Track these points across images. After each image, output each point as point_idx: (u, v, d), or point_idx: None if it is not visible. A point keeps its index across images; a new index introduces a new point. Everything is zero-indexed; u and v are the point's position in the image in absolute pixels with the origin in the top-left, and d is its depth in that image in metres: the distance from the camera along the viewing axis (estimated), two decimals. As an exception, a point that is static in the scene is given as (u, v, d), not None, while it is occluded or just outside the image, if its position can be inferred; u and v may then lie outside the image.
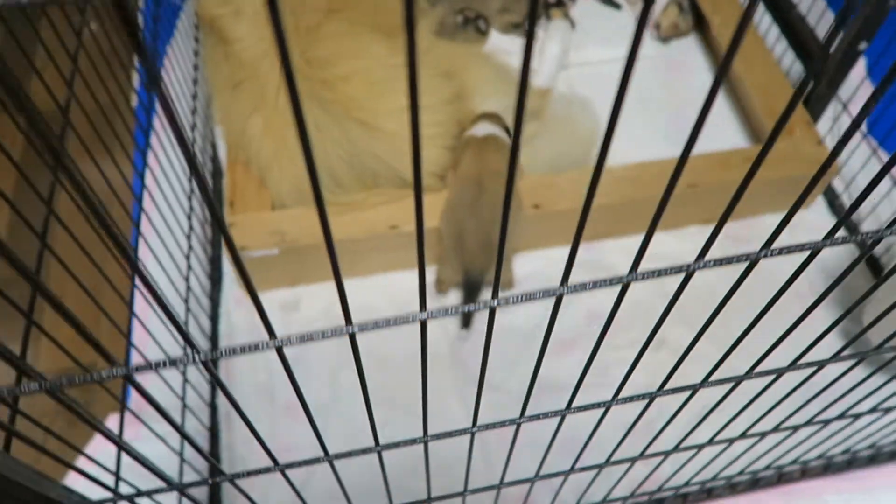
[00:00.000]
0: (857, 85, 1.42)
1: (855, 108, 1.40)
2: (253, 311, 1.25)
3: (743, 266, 1.44)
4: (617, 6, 1.70)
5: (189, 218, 1.19)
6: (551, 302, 1.30)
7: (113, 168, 0.93)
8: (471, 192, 1.15)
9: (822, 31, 1.42)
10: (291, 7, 1.22)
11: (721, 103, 1.53)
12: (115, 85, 0.96)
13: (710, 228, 1.35)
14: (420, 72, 1.08)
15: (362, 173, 1.19)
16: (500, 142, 1.21)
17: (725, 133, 1.49)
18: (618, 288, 1.32)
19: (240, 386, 1.17)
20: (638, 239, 1.34)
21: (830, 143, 1.38)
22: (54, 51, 0.84)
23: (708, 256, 1.32)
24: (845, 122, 1.37)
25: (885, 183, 1.28)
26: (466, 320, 1.15)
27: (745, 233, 1.35)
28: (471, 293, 1.14)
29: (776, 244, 1.34)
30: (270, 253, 1.19)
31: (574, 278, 1.22)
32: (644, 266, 1.29)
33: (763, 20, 1.53)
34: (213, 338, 1.22)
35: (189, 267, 1.16)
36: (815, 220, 1.36)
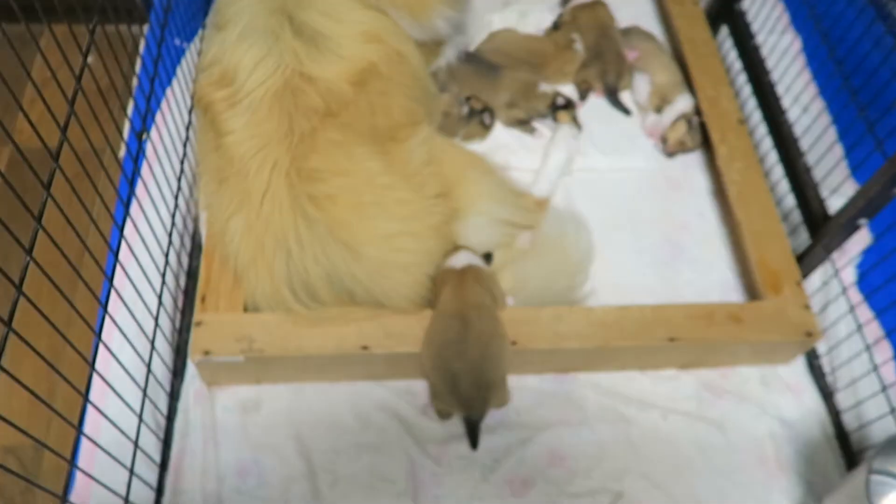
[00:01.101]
0: (853, 255, 1.40)
1: (846, 275, 1.38)
2: (211, 409, 1.22)
3: (709, 418, 1.42)
4: (627, 112, 1.67)
5: (161, 287, 1.16)
6: (511, 435, 1.30)
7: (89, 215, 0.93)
8: (455, 329, 1.12)
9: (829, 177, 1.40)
10: (287, 108, 1.18)
11: (716, 240, 1.51)
12: (102, 129, 0.96)
13: (686, 374, 1.33)
14: (411, 196, 1.05)
15: (340, 292, 1.16)
16: (479, 273, 1.19)
17: (716, 270, 1.47)
18: (581, 429, 1.31)
19: (187, 493, 1.15)
20: (612, 375, 1.32)
21: (818, 303, 1.36)
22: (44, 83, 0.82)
23: (681, 404, 1.30)
24: (834, 287, 1.35)
25: (865, 358, 1.26)
26: (474, 441, 1.15)
27: (720, 382, 1.33)
28: (474, 429, 1.15)
29: (749, 399, 1.32)
30: (235, 360, 1.16)
31: (542, 412, 1.20)
32: (616, 407, 1.28)
33: (770, 158, 1.51)
34: (168, 434, 1.19)
35: (153, 349, 1.13)
36: (791, 378, 1.34)
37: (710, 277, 1.45)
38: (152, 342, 1.11)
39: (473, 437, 1.14)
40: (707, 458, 1.26)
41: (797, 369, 1.35)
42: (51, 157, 0.81)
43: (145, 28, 1.59)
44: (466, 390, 1.11)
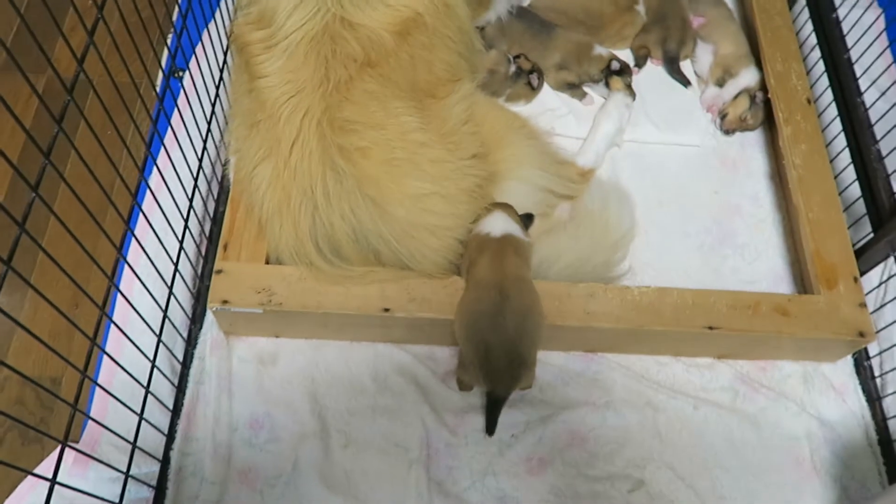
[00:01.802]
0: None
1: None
2: (227, 358, 1.20)
3: (743, 412, 1.34)
4: (686, 83, 1.57)
5: (184, 232, 1.13)
6: (533, 412, 1.24)
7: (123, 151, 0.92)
8: (492, 300, 1.06)
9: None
10: (324, 54, 1.12)
11: (769, 227, 1.41)
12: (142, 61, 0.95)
13: (723, 364, 1.26)
14: (446, 155, 0.99)
15: (365, 250, 1.11)
16: (518, 243, 1.12)
17: (767, 257, 1.38)
18: (606, 411, 1.26)
19: (198, 441, 1.14)
20: (643, 358, 1.25)
21: (874, 303, 1.27)
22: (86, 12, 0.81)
23: (714, 395, 1.23)
24: (894, 286, 1.26)
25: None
26: (491, 427, 1.09)
27: (759, 375, 1.26)
28: (496, 407, 1.08)
29: (788, 396, 1.24)
30: (253, 311, 1.13)
31: (567, 390, 1.14)
32: (645, 392, 1.22)
33: (836, 143, 1.40)
34: (182, 380, 1.18)
35: (170, 294, 1.11)
36: (836, 377, 1.26)
37: (759, 266, 1.37)
38: (170, 287, 1.09)
39: (493, 416, 1.08)
40: (737, 453, 1.19)
41: (844, 369, 1.26)
42: (66, 91, 0.77)
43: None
44: (497, 364, 1.05)
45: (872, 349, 1.26)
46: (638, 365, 1.25)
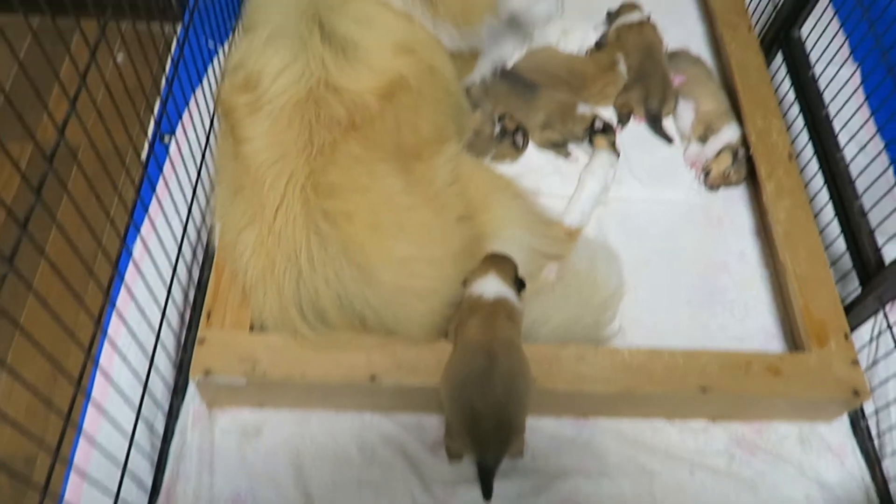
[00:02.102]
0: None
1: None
2: (209, 431, 1.16)
3: (740, 476, 1.30)
4: (669, 140, 1.58)
5: (166, 300, 1.11)
6: (525, 482, 1.19)
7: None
8: (480, 363, 1.03)
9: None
10: (308, 118, 1.12)
11: (757, 283, 1.41)
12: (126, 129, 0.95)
13: (718, 427, 1.23)
14: (432, 218, 0.98)
15: (351, 315, 1.09)
16: (511, 308, 1.10)
17: (757, 314, 1.37)
18: (600, 479, 1.20)
19: (177, 519, 1.09)
20: (636, 422, 1.23)
21: (866, 359, 1.26)
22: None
23: (710, 459, 1.20)
24: (886, 342, 1.25)
25: (918, 424, 1.15)
26: (487, 492, 1.04)
27: (754, 437, 1.23)
28: (488, 476, 1.03)
29: (785, 459, 1.21)
30: (237, 381, 1.10)
31: (560, 458, 1.10)
32: (639, 458, 1.18)
33: (819, 197, 1.41)
34: (162, 456, 1.14)
35: (151, 365, 1.07)
36: (833, 438, 1.23)
37: (749, 323, 1.35)
38: (151, 359, 1.06)
39: (487, 484, 1.04)
40: (738, 521, 1.16)
41: (840, 429, 1.24)
42: (45, 159, 0.76)
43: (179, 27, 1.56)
44: (485, 430, 1.02)
45: (868, 407, 1.25)
46: (631, 429, 1.22)
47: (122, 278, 0.98)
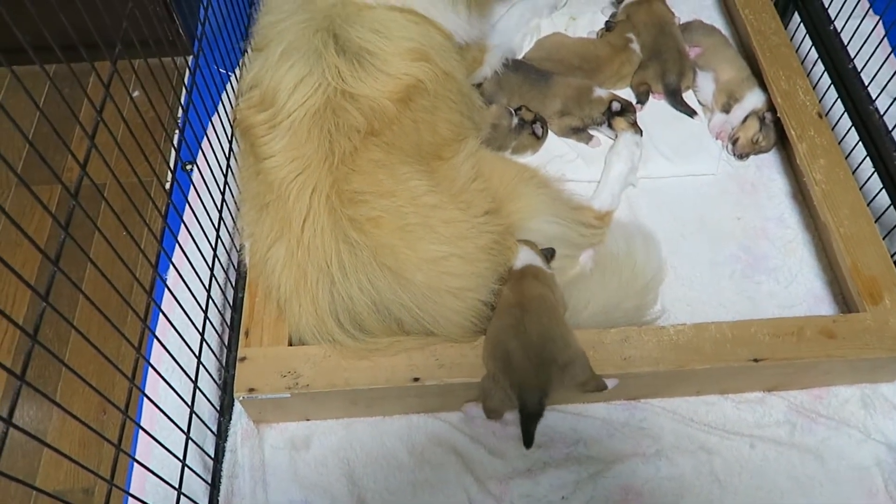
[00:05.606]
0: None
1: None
2: (259, 447, 1.17)
3: (804, 446, 1.25)
4: (692, 113, 1.55)
5: (204, 324, 1.11)
6: (582, 469, 1.16)
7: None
8: (512, 316, 1.06)
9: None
10: (327, 128, 1.12)
11: (800, 247, 1.37)
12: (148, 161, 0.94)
13: (775, 397, 1.20)
14: (459, 215, 0.96)
15: (388, 320, 1.08)
16: (538, 271, 1.12)
17: (804, 279, 1.33)
18: (658, 461, 1.17)
19: (236, 539, 1.09)
20: (689, 400, 1.20)
21: (924, 313, 1.21)
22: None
23: (770, 430, 1.15)
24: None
25: None
26: (528, 439, 1.02)
27: (814, 404, 1.19)
28: (531, 421, 1.01)
29: (849, 423, 1.17)
30: (281, 396, 1.10)
31: (614, 443, 1.07)
32: (696, 436, 1.15)
33: (855, 154, 1.36)
34: (215, 476, 1.14)
35: (195, 389, 1.08)
36: (896, 398, 1.19)
37: (795, 289, 1.32)
38: (195, 381, 1.06)
39: (528, 430, 1.01)
40: (804, 491, 1.12)
41: (904, 388, 1.19)
42: (71, 196, 0.77)
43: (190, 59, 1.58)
44: (521, 366, 1.01)
45: (931, 362, 1.19)
46: (684, 407, 1.19)
47: (158, 306, 0.99)
